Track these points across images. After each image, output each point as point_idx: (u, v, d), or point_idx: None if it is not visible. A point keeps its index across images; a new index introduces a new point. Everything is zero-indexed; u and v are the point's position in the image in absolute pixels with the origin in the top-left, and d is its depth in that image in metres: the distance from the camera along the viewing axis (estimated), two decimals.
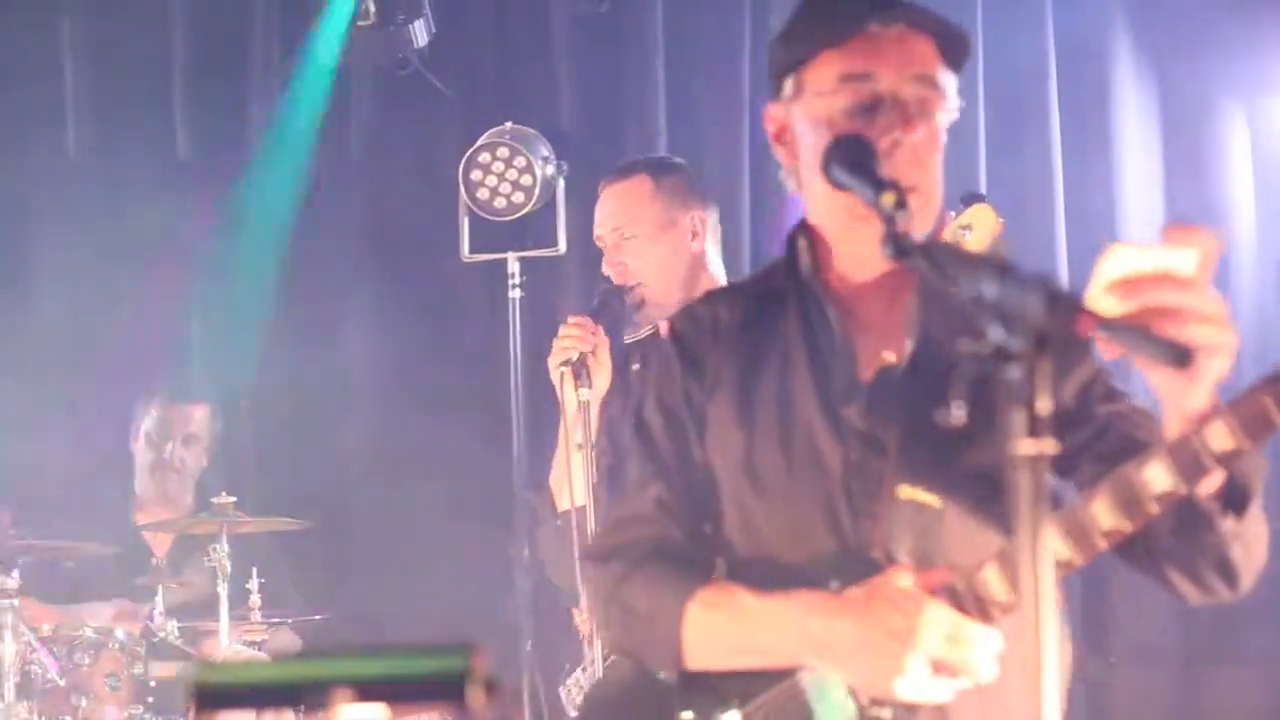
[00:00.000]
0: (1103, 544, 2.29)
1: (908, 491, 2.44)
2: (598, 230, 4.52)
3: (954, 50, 2.56)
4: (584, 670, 4.40)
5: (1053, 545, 1.81)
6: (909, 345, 2.52)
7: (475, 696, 1.60)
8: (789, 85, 2.58)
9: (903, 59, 2.51)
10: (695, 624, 2.52)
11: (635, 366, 4.46)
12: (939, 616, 2.33)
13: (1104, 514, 2.27)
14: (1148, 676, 5.88)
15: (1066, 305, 1.77)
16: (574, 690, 4.45)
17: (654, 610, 2.56)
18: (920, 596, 2.35)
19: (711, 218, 4.52)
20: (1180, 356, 1.79)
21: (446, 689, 1.60)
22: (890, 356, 2.53)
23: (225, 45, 6.56)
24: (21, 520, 5.23)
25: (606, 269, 4.47)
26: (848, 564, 2.46)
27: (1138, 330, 1.86)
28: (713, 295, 2.80)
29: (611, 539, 2.68)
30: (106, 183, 6.53)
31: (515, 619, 5.40)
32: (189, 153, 6.54)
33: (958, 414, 1.92)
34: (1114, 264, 2.10)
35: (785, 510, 2.54)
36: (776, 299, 2.66)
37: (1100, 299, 2.08)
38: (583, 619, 4.40)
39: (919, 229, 2.42)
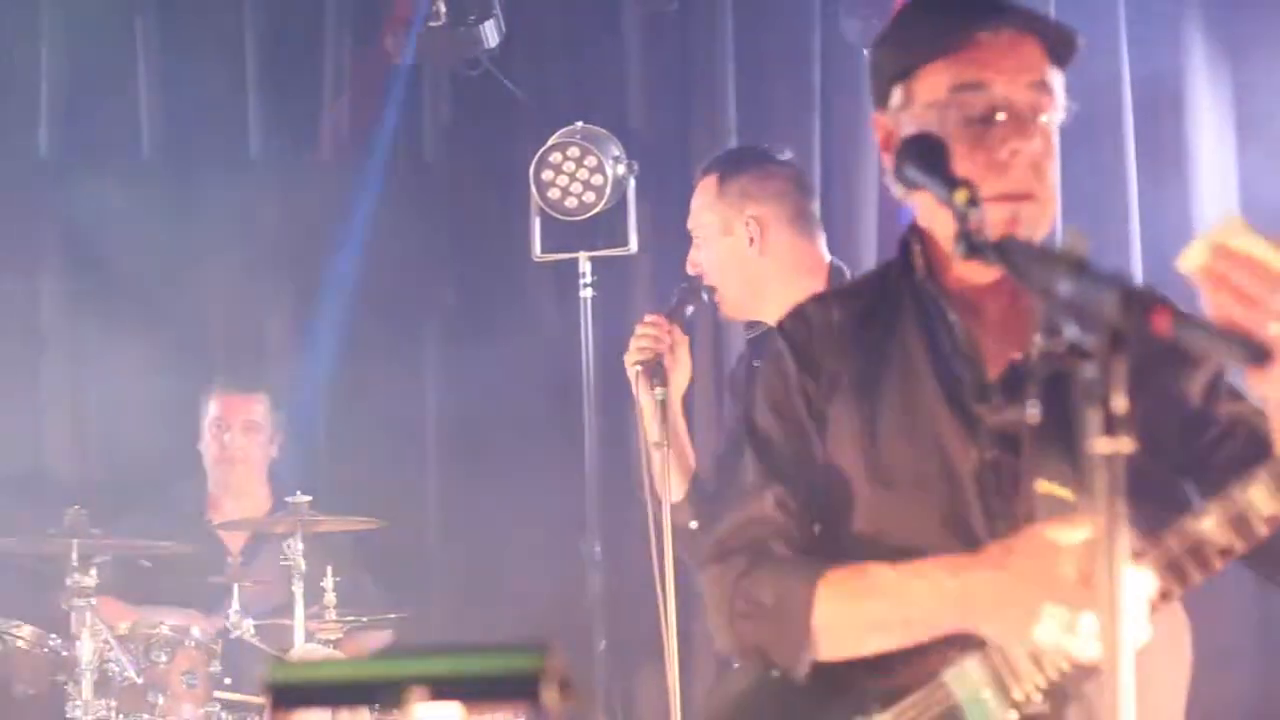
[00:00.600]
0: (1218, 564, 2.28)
1: (1045, 486, 2.42)
2: (689, 223, 4.49)
3: (1061, 49, 2.54)
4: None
5: (1127, 542, 1.79)
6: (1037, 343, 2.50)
7: (550, 696, 1.60)
8: (898, 94, 2.56)
9: (1015, 66, 2.49)
10: (826, 604, 2.46)
11: (757, 364, 4.43)
12: (1075, 560, 2.27)
13: (1215, 531, 2.26)
14: (1226, 679, 5.83)
15: (1142, 302, 1.76)
16: None
17: (782, 598, 2.49)
18: (1056, 544, 2.29)
19: (784, 215, 4.44)
20: (1255, 353, 1.77)
21: (521, 688, 1.61)
22: (1017, 356, 2.51)
23: (297, 45, 6.59)
24: (98, 519, 5.27)
25: (689, 265, 4.46)
26: None
27: (1211, 328, 1.85)
28: (823, 297, 2.75)
29: (732, 540, 2.61)
30: (180, 182, 6.58)
31: (589, 618, 5.41)
32: (261, 152, 6.58)
33: (1032, 413, 1.91)
34: (1224, 231, 2.10)
35: (914, 511, 2.51)
36: (891, 301, 2.63)
37: (1196, 254, 2.07)
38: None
39: (1036, 236, 2.44)
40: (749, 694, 2.60)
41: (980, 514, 2.46)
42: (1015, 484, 2.45)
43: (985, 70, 2.48)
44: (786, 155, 4.56)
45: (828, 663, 2.49)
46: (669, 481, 4.20)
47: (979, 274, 2.54)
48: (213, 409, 6.04)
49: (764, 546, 2.56)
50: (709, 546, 2.64)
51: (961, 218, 2.15)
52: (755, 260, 4.35)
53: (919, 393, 2.54)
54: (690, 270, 4.44)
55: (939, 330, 2.56)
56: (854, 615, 2.45)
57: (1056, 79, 2.54)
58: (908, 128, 2.53)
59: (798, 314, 2.71)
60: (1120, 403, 1.73)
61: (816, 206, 4.52)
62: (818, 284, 4.25)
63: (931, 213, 2.55)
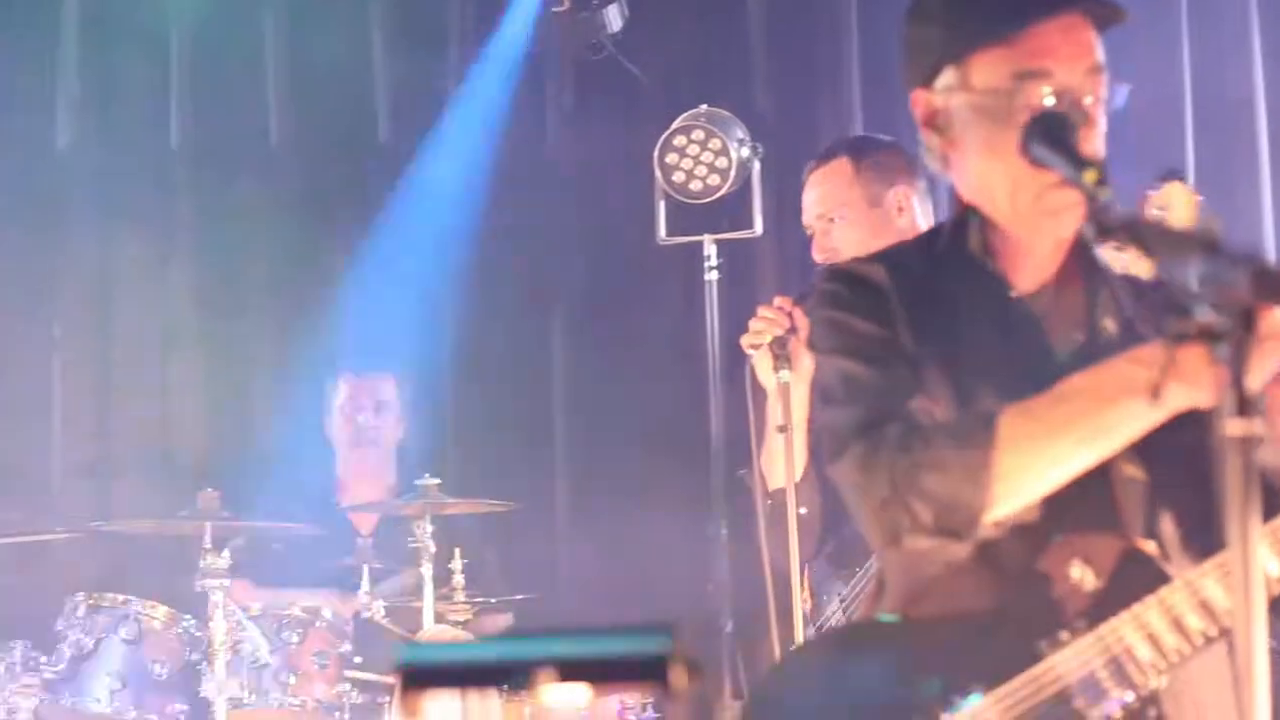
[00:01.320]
0: None
1: (1128, 469, 2.40)
2: (805, 218, 4.50)
3: (1108, 22, 2.52)
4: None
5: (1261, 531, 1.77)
6: (1105, 323, 2.47)
7: (677, 677, 1.61)
8: (949, 75, 2.53)
9: (1074, 52, 2.47)
10: (1012, 424, 2.33)
11: None
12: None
13: None
14: None
15: (1276, 283, 1.73)
16: None
17: (965, 436, 2.36)
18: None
19: (919, 190, 4.47)
20: None
21: (648, 670, 1.62)
22: (1079, 335, 2.49)
23: (421, 32, 6.64)
24: (230, 502, 5.34)
25: (816, 255, 4.45)
26: None
27: None
28: (879, 255, 2.68)
29: (873, 419, 2.45)
30: (308, 170, 6.65)
31: (715, 600, 5.41)
32: (388, 137, 6.63)
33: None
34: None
35: None
36: (942, 275, 2.58)
37: None
38: (802, 597, 4.39)
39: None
40: (832, 670, 2.50)
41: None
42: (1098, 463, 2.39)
43: (1045, 58, 2.46)
44: (892, 139, 4.61)
45: (922, 639, 2.44)
46: (792, 465, 4.20)
47: (1033, 254, 2.52)
48: (342, 392, 6.10)
49: (929, 421, 2.43)
50: (840, 439, 2.48)
51: (1091, 198, 2.12)
52: (901, 231, 4.35)
53: (974, 371, 2.49)
54: (820, 257, 4.43)
55: (998, 308, 2.53)
56: (1044, 426, 2.32)
57: (1102, 51, 2.51)
58: (962, 109, 2.52)
59: (847, 271, 2.63)
60: (1253, 383, 1.71)
61: (926, 185, 4.54)
62: None
63: (996, 191, 2.51)
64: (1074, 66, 2.46)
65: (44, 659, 5.25)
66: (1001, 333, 2.51)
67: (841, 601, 4.32)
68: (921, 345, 2.51)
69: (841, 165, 4.46)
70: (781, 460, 4.25)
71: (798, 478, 4.27)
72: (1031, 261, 2.54)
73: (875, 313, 2.54)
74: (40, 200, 6.82)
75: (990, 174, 2.50)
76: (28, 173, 6.83)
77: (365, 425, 6.04)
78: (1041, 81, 2.45)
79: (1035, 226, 2.50)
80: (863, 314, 2.55)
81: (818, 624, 4.35)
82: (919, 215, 4.45)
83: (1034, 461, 2.34)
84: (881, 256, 2.65)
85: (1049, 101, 2.44)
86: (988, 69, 2.49)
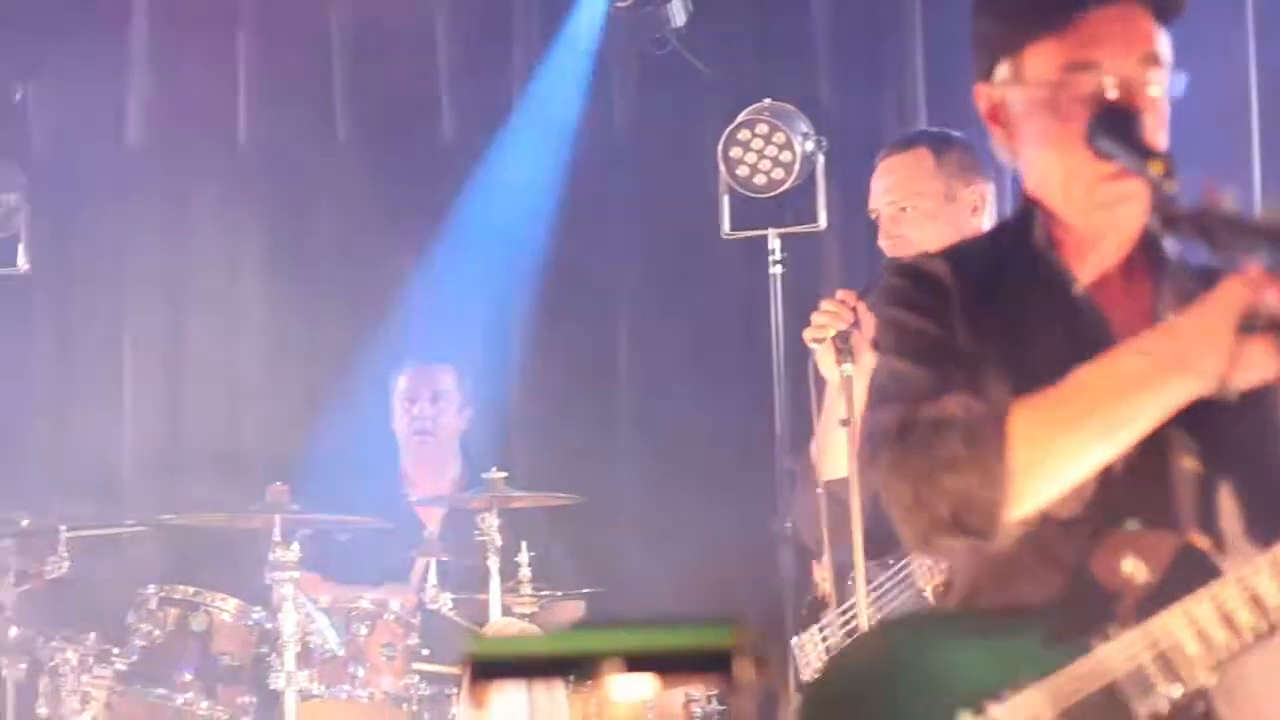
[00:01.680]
0: None
1: (1188, 460, 2.40)
2: (873, 203, 4.47)
3: (1169, 10, 2.49)
4: (820, 629, 4.40)
5: None
6: (1171, 316, 2.45)
7: (742, 670, 1.62)
8: (1005, 69, 2.52)
9: (1127, 41, 2.44)
10: (1025, 421, 2.32)
11: None
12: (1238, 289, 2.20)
13: None
14: None
15: None
16: (807, 646, 4.44)
17: (978, 435, 2.34)
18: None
19: (992, 191, 4.47)
20: None
21: (714, 662, 1.62)
22: (1144, 329, 2.47)
23: (487, 30, 6.66)
24: (299, 495, 5.38)
25: (883, 242, 4.44)
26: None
27: None
28: (942, 252, 2.66)
29: (907, 420, 2.43)
30: (375, 168, 6.69)
31: (780, 593, 5.42)
32: (454, 134, 6.65)
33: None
34: None
35: None
36: (1007, 269, 2.56)
37: None
38: (823, 576, 4.41)
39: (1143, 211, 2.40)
40: (884, 659, 2.47)
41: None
42: (1146, 456, 2.39)
43: (1097, 48, 2.43)
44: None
45: (975, 631, 2.42)
46: (854, 460, 4.20)
47: (1099, 248, 2.51)
48: (401, 384, 6.13)
49: (948, 419, 2.40)
50: (876, 440, 2.48)
51: (1156, 190, 2.11)
52: (974, 229, 4.33)
53: (1039, 365, 2.44)
54: (885, 245, 4.42)
55: (1062, 303, 2.52)
56: (1056, 422, 2.32)
57: (1164, 42, 2.47)
58: (1018, 102, 2.50)
59: (912, 266, 2.61)
60: None
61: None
62: None
63: (1057, 185, 2.50)
64: (1125, 57, 2.42)
65: (115, 651, 5.30)
66: (1065, 327, 2.50)
67: (874, 589, 4.32)
68: (981, 342, 2.50)
69: (921, 155, 4.42)
70: (838, 452, 4.26)
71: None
72: (1095, 254, 2.53)
73: (934, 311, 2.53)
74: (111, 198, 6.89)
75: (1046, 166, 2.50)
76: (99, 171, 6.89)
77: (421, 415, 6.06)
78: (1090, 72, 2.43)
79: (1091, 219, 2.49)
80: (921, 312, 2.54)
81: (841, 609, 4.35)
82: (992, 216, 4.43)
83: (1048, 458, 2.33)
84: (948, 251, 2.64)
85: (1111, 93, 2.42)
86: (1040, 61, 2.47)
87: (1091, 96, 2.42)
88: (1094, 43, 2.43)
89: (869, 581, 4.28)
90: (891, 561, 4.30)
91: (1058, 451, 2.33)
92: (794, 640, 4.48)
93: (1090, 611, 2.37)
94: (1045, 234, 2.53)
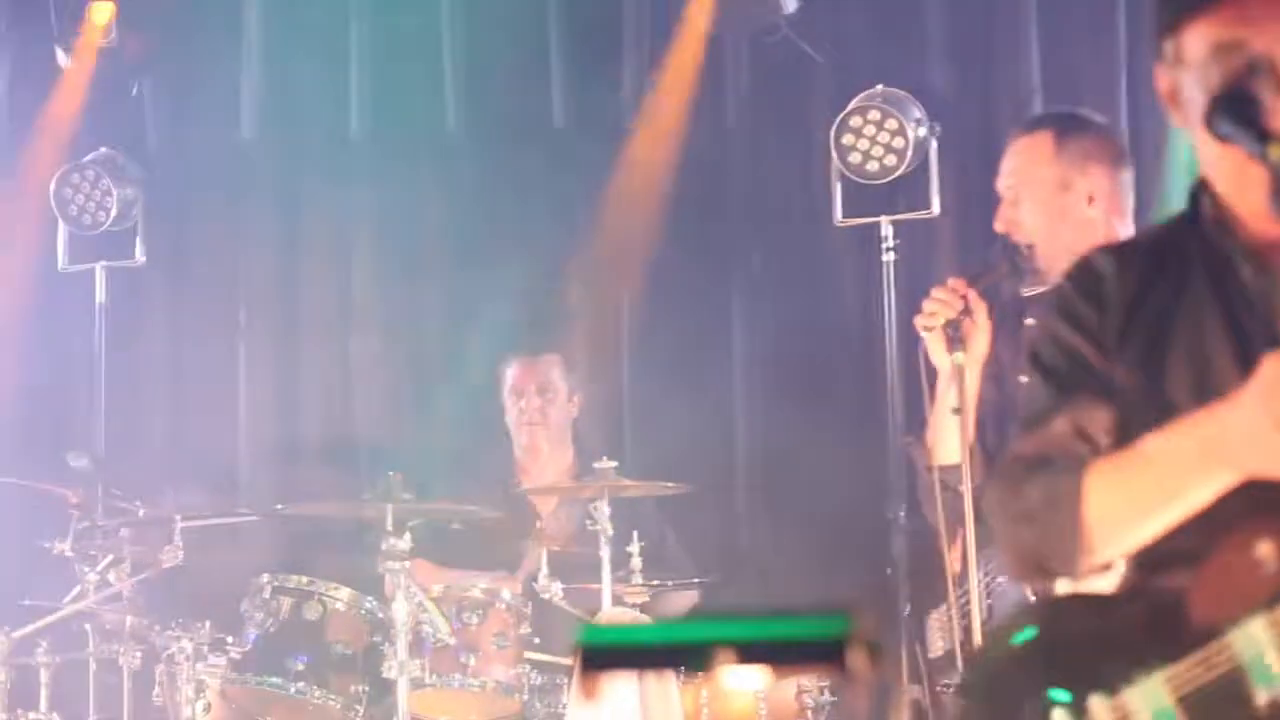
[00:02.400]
0: None
1: None
2: (999, 182, 4.42)
3: None
4: (947, 609, 4.36)
5: None
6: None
7: (856, 660, 1.59)
8: (1169, 48, 2.50)
9: (1274, 18, 2.39)
10: (1096, 486, 2.40)
11: (1030, 321, 4.38)
12: None
13: None
14: None
15: None
16: (934, 628, 4.40)
17: (1052, 490, 2.44)
18: None
19: (1118, 181, 4.35)
20: None
21: (828, 652, 1.60)
22: None
23: (599, 18, 6.64)
24: (411, 485, 5.39)
25: (998, 224, 4.39)
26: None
27: None
28: (1111, 249, 2.67)
29: (1015, 456, 2.56)
30: (485, 157, 6.70)
31: (893, 583, 5.38)
32: (565, 122, 6.65)
33: None
34: None
35: None
36: (1179, 255, 2.55)
37: None
38: (951, 558, 4.38)
39: None
40: (1027, 646, 2.51)
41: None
42: None
43: (1242, 27, 2.39)
44: (1105, 121, 4.50)
45: (1111, 616, 2.43)
46: (966, 447, 4.17)
47: (1271, 230, 2.45)
48: (509, 377, 6.13)
49: (1046, 458, 2.50)
50: (992, 467, 2.60)
51: (1275, 173, 2.07)
52: (1088, 220, 4.27)
53: (1208, 352, 2.45)
54: (1001, 228, 4.36)
55: (1230, 287, 2.47)
56: (1121, 490, 2.40)
57: None
58: (1181, 83, 2.46)
59: (1085, 263, 2.62)
60: None
61: (1132, 176, 4.43)
62: None
63: (1220, 166, 2.46)
64: (1276, 35, 2.38)
65: (230, 639, 5.34)
66: (1227, 312, 2.46)
67: (987, 575, 4.28)
68: (1128, 344, 2.50)
69: (1043, 140, 4.34)
70: (950, 438, 4.23)
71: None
72: (1264, 239, 2.48)
73: (1084, 318, 2.55)
74: (225, 191, 6.95)
75: (1204, 149, 2.46)
76: (213, 164, 6.96)
77: (528, 408, 6.07)
78: (1235, 54, 2.39)
79: (1245, 202, 2.45)
80: (1070, 321, 2.57)
81: (961, 592, 4.33)
82: (1116, 208, 4.32)
83: (1119, 522, 2.41)
84: (1122, 243, 2.66)
85: (1250, 74, 2.38)
86: (1194, 40, 2.44)
87: (1237, 76, 2.38)
88: (1241, 22, 2.40)
89: (986, 570, 4.25)
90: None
91: (1123, 517, 2.40)
92: (927, 616, 4.43)
93: (1223, 597, 2.34)
94: (1214, 217, 2.50)
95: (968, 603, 4.16)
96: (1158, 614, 2.39)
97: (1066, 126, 4.38)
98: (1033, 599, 3.99)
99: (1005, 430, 4.33)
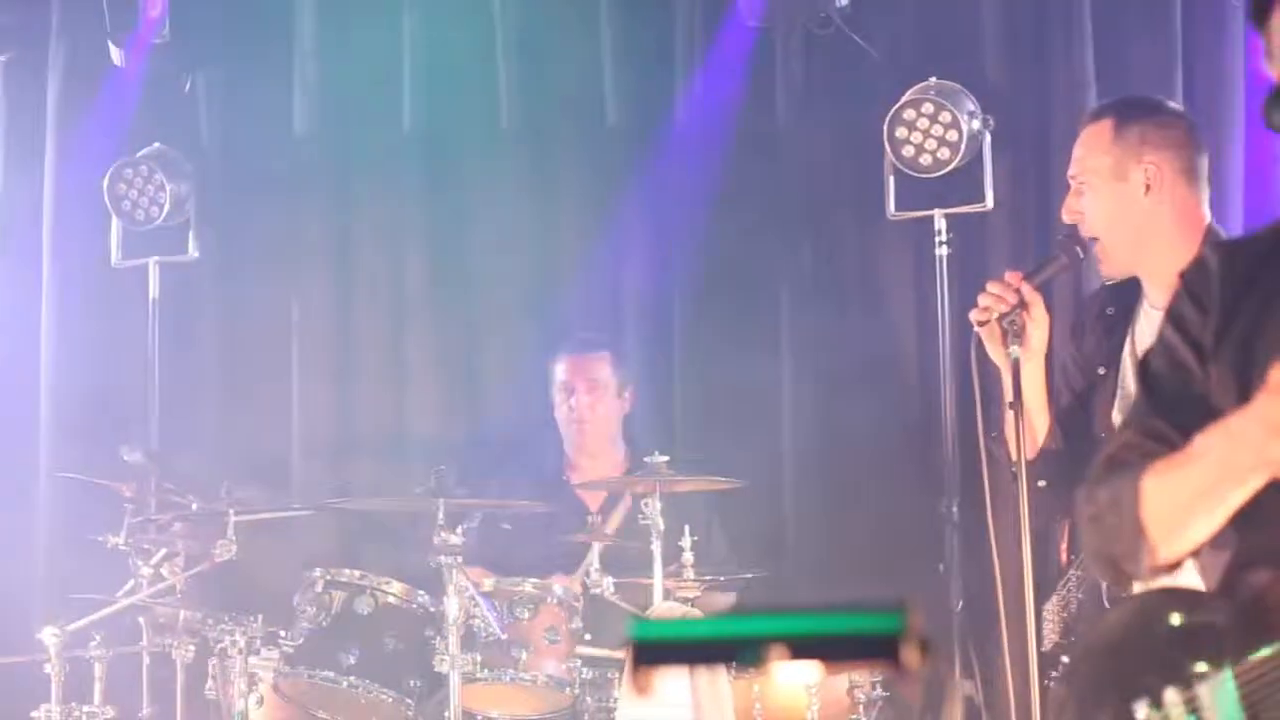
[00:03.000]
0: None
1: None
2: (1069, 172, 4.37)
3: None
4: (1056, 596, 4.34)
5: None
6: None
7: (909, 655, 1.58)
8: (1264, 41, 2.46)
9: None
10: (1151, 487, 2.45)
11: (1110, 310, 4.34)
12: None
13: None
14: None
15: None
16: (1045, 617, 4.37)
17: (1117, 495, 2.49)
18: None
19: (1184, 169, 4.25)
20: None
21: (881, 648, 1.59)
22: None
23: (650, 14, 6.63)
24: (463, 480, 5.40)
25: (1064, 214, 4.34)
26: None
27: None
28: (1226, 244, 2.67)
29: (1099, 463, 2.61)
30: (538, 151, 6.70)
31: (946, 578, 5.36)
32: (616, 118, 6.64)
33: None
34: None
35: None
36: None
37: None
38: (1061, 547, 4.36)
39: None
40: (1118, 632, 2.55)
41: None
42: None
43: None
44: (1179, 106, 4.43)
45: (1194, 612, 2.42)
46: (1023, 441, 4.14)
47: None
48: (558, 373, 6.13)
49: (1124, 462, 2.54)
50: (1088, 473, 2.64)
51: None
52: (1147, 210, 4.22)
53: None
54: (1067, 218, 4.32)
55: None
56: (1171, 488, 2.43)
57: None
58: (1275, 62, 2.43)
59: (1199, 262, 2.61)
60: None
61: (1206, 162, 4.35)
62: (1196, 242, 4.08)
63: None
64: None
65: (282, 633, 5.36)
66: None
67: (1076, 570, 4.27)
68: (1224, 340, 2.47)
69: (1103, 127, 4.29)
70: (1011, 433, 4.21)
71: (1033, 452, 4.21)
72: None
73: (1187, 318, 2.56)
74: (278, 186, 6.97)
75: None
76: (265, 159, 6.98)
77: (578, 405, 6.07)
78: None
79: None
80: (1176, 322, 2.58)
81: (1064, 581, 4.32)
82: (1181, 197, 4.25)
83: (1173, 522, 2.45)
84: (1235, 238, 2.64)
85: None
86: (1271, 33, 2.41)
87: None
88: None
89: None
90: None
91: (1175, 516, 2.45)
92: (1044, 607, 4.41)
93: None
94: None
95: (1068, 597, 4.15)
96: (1243, 610, 2.38)
97: (1127, 112, 4.32)
98: (1110, 596, 3.98)
99: (1081, 427, 4.31)
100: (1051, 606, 4.38)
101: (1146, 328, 4.26)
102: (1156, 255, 4.18)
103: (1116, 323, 4.32)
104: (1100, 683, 2.50)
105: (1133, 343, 4.28)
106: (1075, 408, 4.35)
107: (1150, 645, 2.45)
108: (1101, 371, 4.31)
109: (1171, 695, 2.37)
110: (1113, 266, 4.30)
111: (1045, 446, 4.28)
